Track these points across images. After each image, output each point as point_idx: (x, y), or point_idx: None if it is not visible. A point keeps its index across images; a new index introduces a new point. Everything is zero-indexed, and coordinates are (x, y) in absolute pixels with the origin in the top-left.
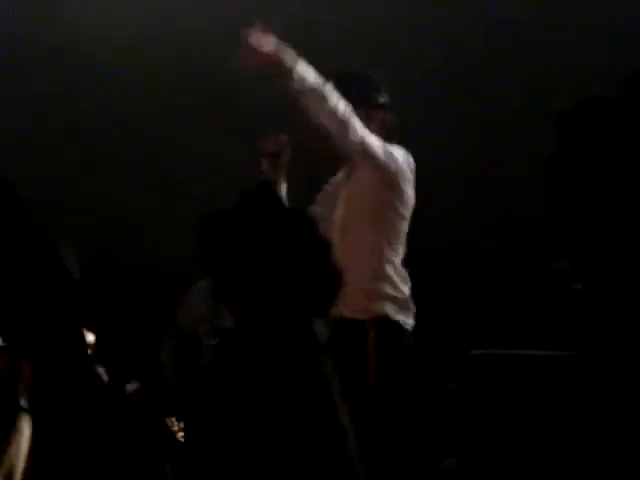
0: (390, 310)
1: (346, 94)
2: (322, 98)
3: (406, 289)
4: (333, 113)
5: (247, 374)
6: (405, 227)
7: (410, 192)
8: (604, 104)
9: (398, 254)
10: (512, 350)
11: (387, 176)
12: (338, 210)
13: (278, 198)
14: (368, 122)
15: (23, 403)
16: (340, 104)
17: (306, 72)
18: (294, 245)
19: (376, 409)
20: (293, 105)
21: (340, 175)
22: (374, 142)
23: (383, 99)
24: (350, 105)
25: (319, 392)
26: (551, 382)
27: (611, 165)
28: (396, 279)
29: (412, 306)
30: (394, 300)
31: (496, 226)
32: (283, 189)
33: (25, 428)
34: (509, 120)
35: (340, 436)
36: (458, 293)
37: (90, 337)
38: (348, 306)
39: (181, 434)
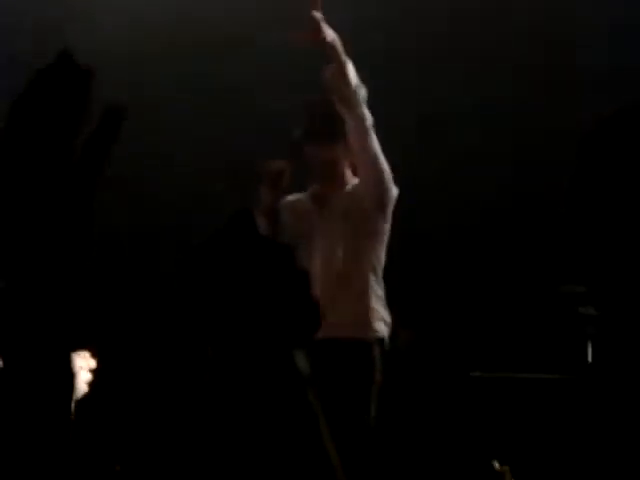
0: (384, 331)
1: (329, 127)
2: (359, 101)
3: None
4: (361, 119)
5: (229, 405)
6: None
7: None
8: (627, 123)
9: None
10: (513, 373)
11: (388, 197)
12: (332, 235)
13: (254, 228)
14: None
15: None
16: (368, 113)
17: (354, 72)
18: (272, 276)
19: (379, 423)
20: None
21: (302, 198)
22: (384, 161)
23: None
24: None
25: (304, 424)
26: (560, 406)
27: (631, 189)
28: (384, 300)
29: None
30: (385, 321)
31: (509, 245)
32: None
33: None
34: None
35: (328, 469)
36: (469, 315)
37: (92, 362)
38: (355, 327)
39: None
